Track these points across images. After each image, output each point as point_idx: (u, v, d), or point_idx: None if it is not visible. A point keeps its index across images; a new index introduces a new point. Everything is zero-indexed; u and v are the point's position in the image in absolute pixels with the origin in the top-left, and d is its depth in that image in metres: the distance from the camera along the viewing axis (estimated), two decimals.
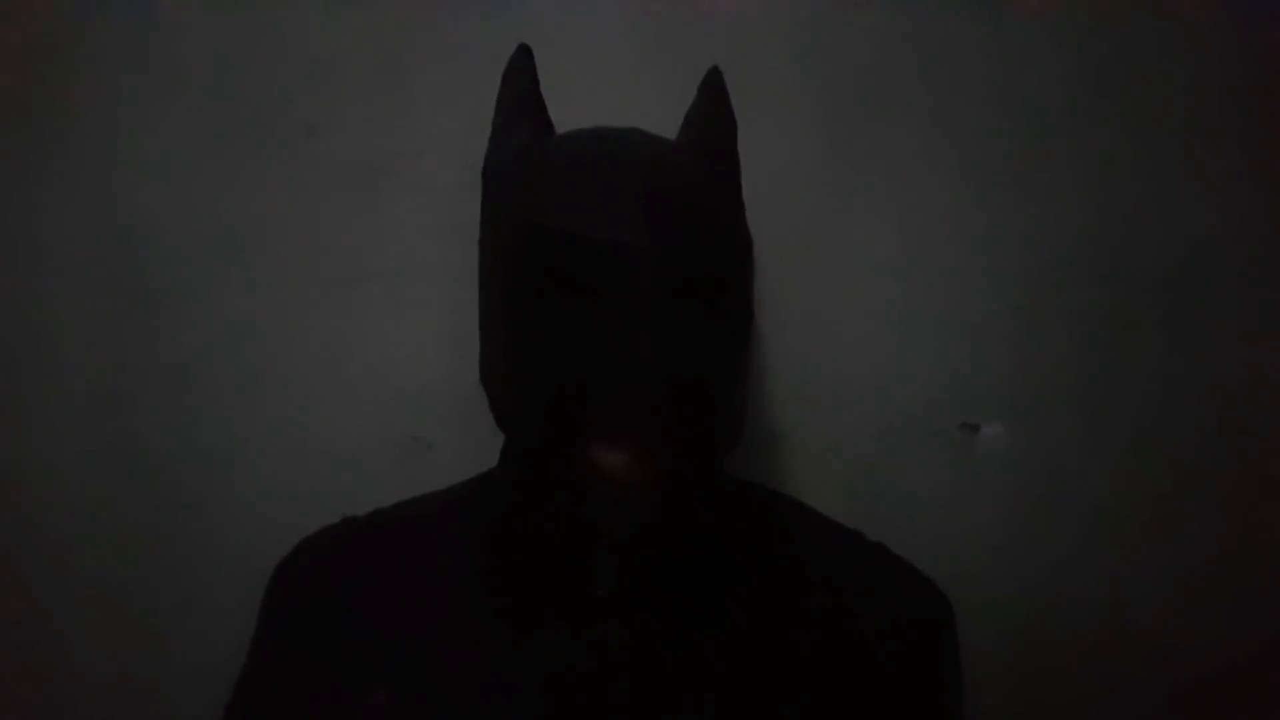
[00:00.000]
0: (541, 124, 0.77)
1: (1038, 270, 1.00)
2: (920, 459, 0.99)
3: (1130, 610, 1.00)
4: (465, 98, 0.93)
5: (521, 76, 0.77)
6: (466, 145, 0.85)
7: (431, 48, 0.96)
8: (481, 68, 0.86)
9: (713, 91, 0.79)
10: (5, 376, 0.95)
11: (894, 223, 0.99)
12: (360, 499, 0.81)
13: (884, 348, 0.99)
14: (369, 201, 0.96)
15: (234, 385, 0.95)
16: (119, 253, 0.95)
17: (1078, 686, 0.99)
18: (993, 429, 0.99)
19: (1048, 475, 1.00)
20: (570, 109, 0.80)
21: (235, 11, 0.95)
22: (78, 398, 0.95)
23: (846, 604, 0.75)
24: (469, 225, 0.80)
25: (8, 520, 0.95)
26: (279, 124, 0.96)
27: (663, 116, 0.80)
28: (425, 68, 0.96)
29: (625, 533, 0.69)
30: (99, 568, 0.95)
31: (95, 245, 0.95)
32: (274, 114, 0.96)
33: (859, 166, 0.99)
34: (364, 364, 0.96)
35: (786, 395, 0.98)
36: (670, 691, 0.70)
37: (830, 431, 0.98)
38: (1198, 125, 1.01)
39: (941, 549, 0.86)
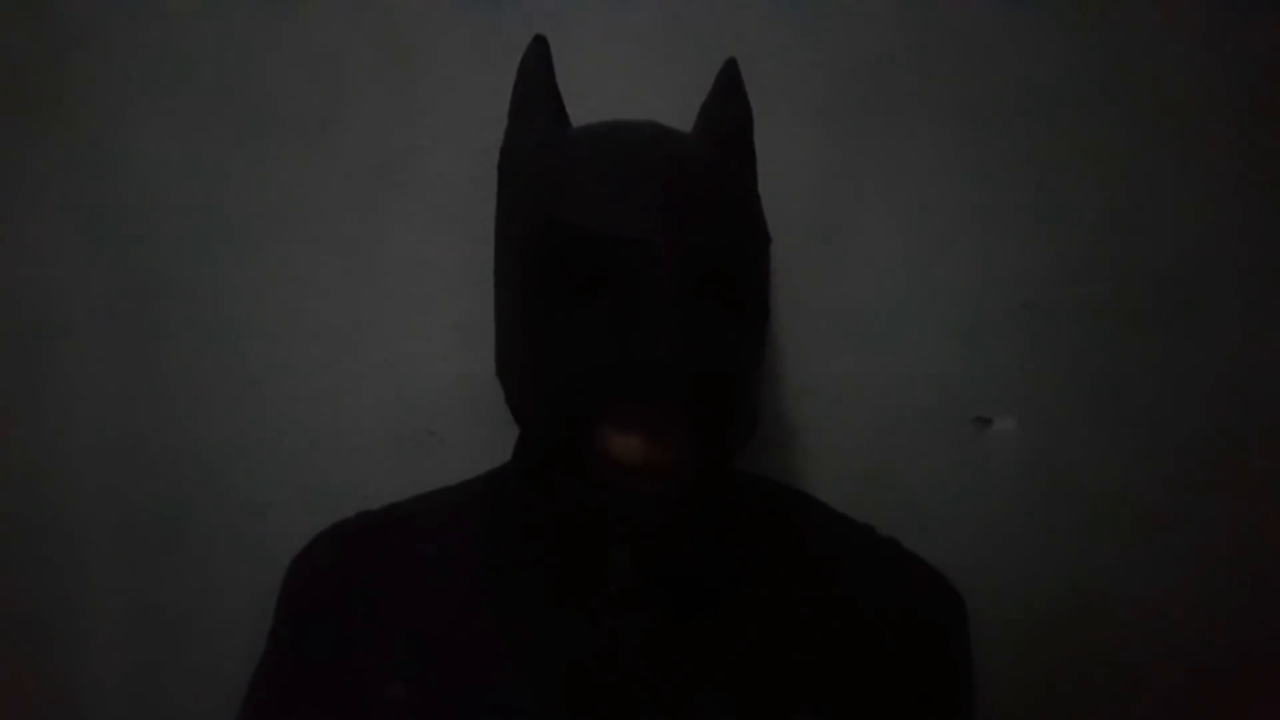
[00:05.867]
0: (557, 116, 0.77)
1: (1047, 266, 1.00)
2: (932, 453, 0.99)
3: (1139, 604, 1.00)
4: (477, 91, 0.93)
5: (537, 68, 0.77)
6: (478, 139, 0.85)
7: (444, 41, 0.96)
8: (493, 61, 0.86)
9: (729, 83, 0.79)
10: (15, 373, 0.95)
11: (904, 219, 0.99)
12: (372, 493, 0.82)
13: (895, 343, 0.99)
14: (381, 196, 0.96)
15: (245, 380, 0.95)
16: (130, 248, 0.95)
17: (1088, 680, 1.00)
18: (1004, 423, 1.00)
19: (1059, 469, 1.00)
20: (584, 101, 0.80)
21: (246, 6, 0.95)
22: (88, 394, 0.95)
23: (858, 599, 0.75)
24: (481, 219, 0.80)
25: (19, 517, 0.95)
26: (291, 119, 0.95)
27: (676, 107, 0.80)
28: (438, 61, 0.96)
29: (639, 525, 0.69)
30: (111, 563, 0.95)
31: (106, 241, 0.95)
32: (286, 109, 0.95)
33: (869, 162, 0.99)
34: (376, 358, 0.96)
35: (798, 390, 0.98)
36: (684, 686, 0.70)
37: (842, 426, 0.98)
38: (1204, 123, 1.01)
39: (952, 543, 0.86)
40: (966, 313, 0.99)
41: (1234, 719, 1.01)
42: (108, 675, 0.95)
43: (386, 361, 0.96)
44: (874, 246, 0.99)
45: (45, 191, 0.95)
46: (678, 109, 0.80)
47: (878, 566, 0.78)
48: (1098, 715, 1.00)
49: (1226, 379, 1.01)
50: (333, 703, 0.71)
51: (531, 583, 0.73)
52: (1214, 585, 1.01)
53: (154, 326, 0.95)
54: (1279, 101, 1.02)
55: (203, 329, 0.95)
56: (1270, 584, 1.02)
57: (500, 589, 0.73)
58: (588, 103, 0.79)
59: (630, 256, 0.65)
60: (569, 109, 0.78)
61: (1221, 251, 1.01)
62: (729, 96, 0.79)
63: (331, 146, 0.96)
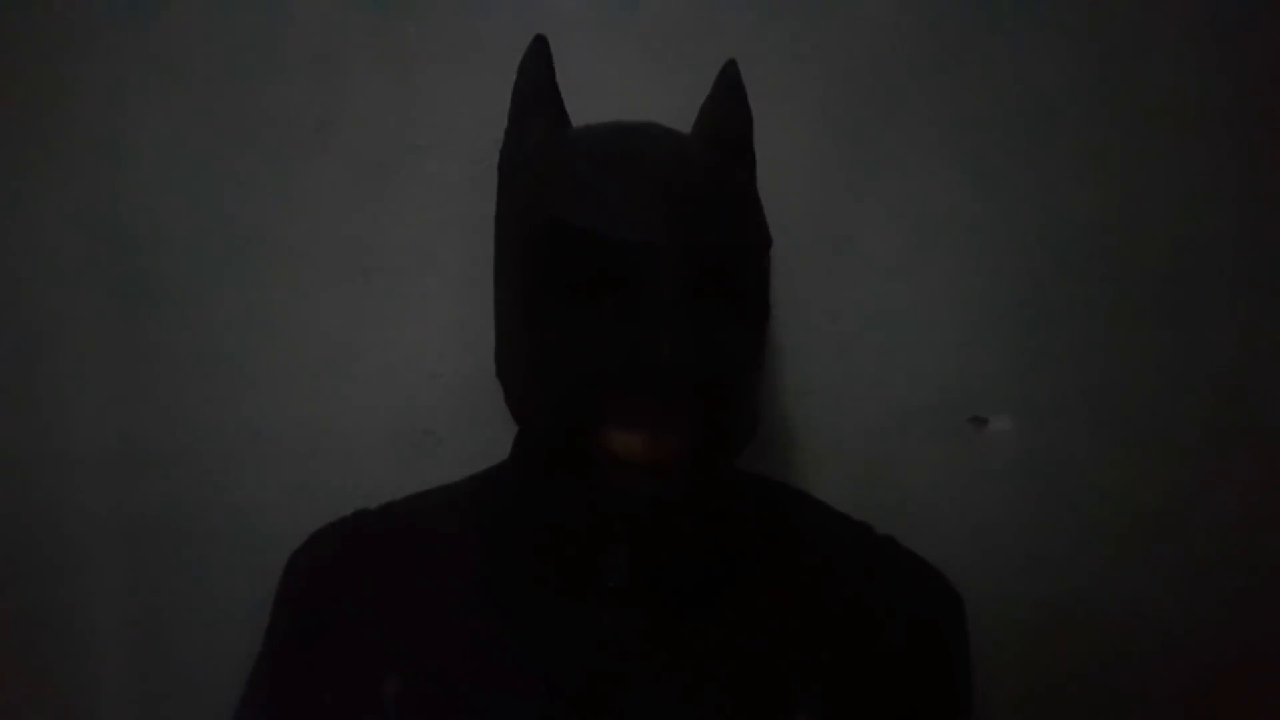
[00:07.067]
0: (558, 117, 0.77)
1: (1044, 265, 1.00)
2: (928, 452, 0.99)
3: (1136, 603, 1.00)
4: (474, 91, 0.93)
5: (538, 68, 0.77)
6: (475, 140, 0.85)
7: (442, 40, 0.96)
8: (489, 61, 0.86)
9: (729, 84, 0.79)
10: (14, 372, 0.95)
11: (902, 218, 0.99)
12: (370, 492, 0.82)
13: (892, 342, 0.99)
14: (378, 196, 0.96)
15: (243, 380, 0.95)
16: (128, 248, 0.95)
17: (1084, 679, 1.00)
18: (1000, 422, 1.00)
19: (1055, 468, 1.00)
20: (584, 101, 0.80)
21: (242, 6, 0.95)
22: (87, 394, 0.95)
23: (856, 596, 0.75)
24: (478, 219, 0.80)
25: (18, 515, 0.94)
26: (288, 119, 0.95)
27: (676, 107, 0.80)
28: (435, 60, 0.96)
29: (638, 523, 0.69)
30: (109, 564, 0.95)
31: (104, 241, 0.95)
32: (283, 109, 0.95)
33: (866, 162, 0.99)
34: (373, 358, 0.96)
35: (796, 389, 0.98)
36: (681, 683, 0.70)
37: (839, 425, 0.98)
38: (1202, 122, 1.01)
39: (949, 542, 0.86)
40: (964, 312, 0.99)
41: (1234, 719, 1.01)
42: (106, 674, 0.95)
43: (384, 361, 0.95)
44: (872, 247, 0.99)
45: (43, 192, 0.94)
46: (678, 109, 0.80)
47: (875, 564, 0.78)
48: (1095, 714, 1.00)
49: (1224, 379, 1.01)
50: (330, 700, 0.71)
51: (529, 580, 0.73)
52: (1212, 585, 1.01)
53: (151, 327, 0.95)
54: (1279, 102, 1.01)
55: (200, 329, 0.95)
56: (1270, 584, 1.02)
57: (497, 586, 0.73)
58: (588, 103, 0.79)
59: (633, 258, 0.65)
60: (569, 109, 0.78)
61: (1218, 252, 1.01)
62: (729, 98, 0.79)
63: (329, 146, 0.95)
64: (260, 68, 0.95)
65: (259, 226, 0.95)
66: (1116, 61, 1.00)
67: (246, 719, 0.77)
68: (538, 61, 0.77)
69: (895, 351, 0.99)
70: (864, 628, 0.74)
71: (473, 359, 0.85)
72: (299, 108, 0.95)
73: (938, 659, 0.77)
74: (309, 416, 0.95)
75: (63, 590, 0.94)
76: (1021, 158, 1.00)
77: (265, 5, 0.95)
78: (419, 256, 0.96)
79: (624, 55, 0.96)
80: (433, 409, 0.96)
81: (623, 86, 0.93)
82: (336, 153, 0.96)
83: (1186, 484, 1.01)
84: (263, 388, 0.95)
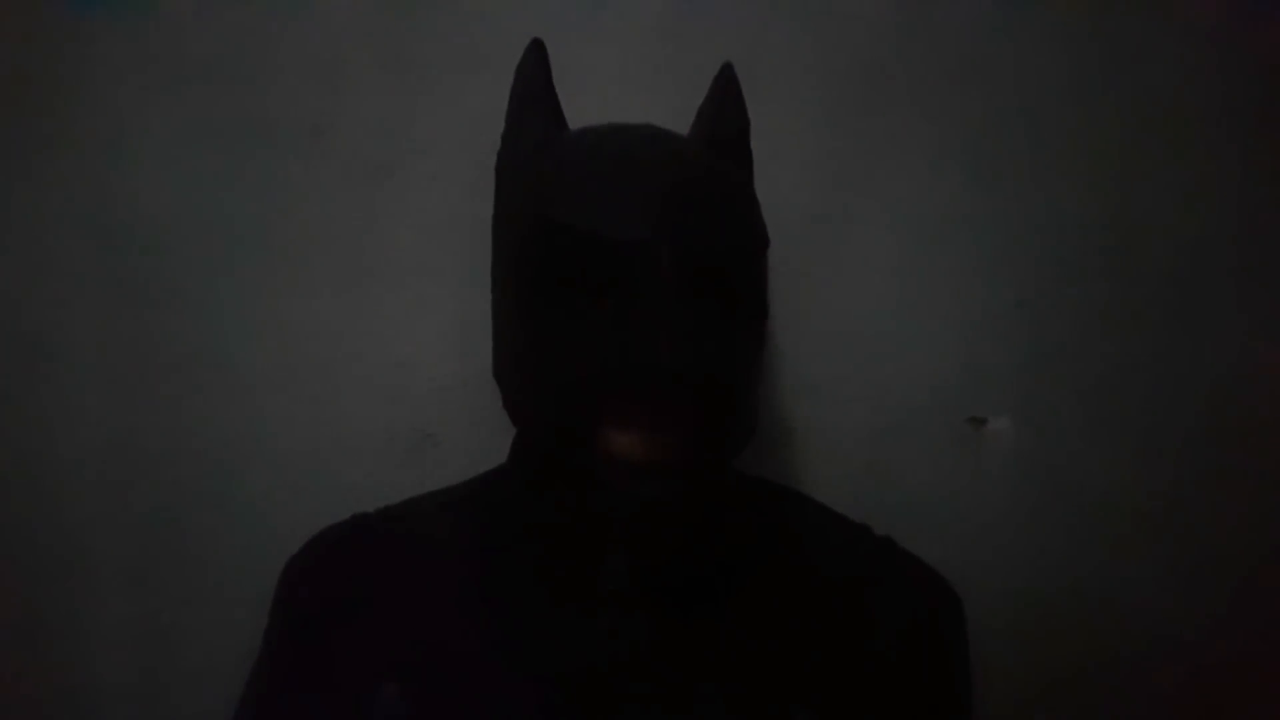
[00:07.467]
0: (555, 119, 0.77)
1: (1043, 265, 1.00)
2: (927, 453, 0.99)
3: (1135, 604, 1.00)
4: (471, 94, 0.93)
5: (535, 71, 0.77)
6: (473, 142, 0.84)
7: (439, 43, 0.96)
8: (487, 64, 0.86)
9: (726, 86, 0.79)
10: (12, 374, 0.95)
11: (900, 218, 0.99)
12: (368, 494, 0.82)
13: (890, 342, 0.99)
14: (376, 198, 0.96)
15: (241, 383, 0.95)
16: (127, 251, 0.95)
17: (1083, 680, 1.00)
18: (999, 423, 1.00)
19: (1053, 469, 1.00)
20: (581, 103, 0.80)
21: (240, 9, 0.95)
22: (85, 396, 0.95)
23: (855, 597, 0.76)
24: (476, 222, 0.80)
25: (16, 518, 0.94)
26: (288, 120, 0.95)
27: (673, 109, 0.80)
28: (433, 63, 0.96)
29: (637, 522, 0.69)
30: (110, 566, 0.95)
31: (102, 244, 0.95)
32: (280, 112, 0.95)
33: (865, 162, 0.99)
34: (371, 360, 0.95)
35: (793, 390, 0.98)
36: (679, 686, 0.70)
37: (837, 426, 0.98)
38: (1201, 120, 1.01)
39: (948, 542, 0.86)
40: (962, 313, 0.99)
41: (1233, 719, 1.01)
42: (106, 676, 0.95)
43: (382, 364, 0.95)
44: (870, 247, 0.99)
45: (43, 195, 0.94)
46: (675, 111, 0.80)
47: (874, 566, 0.78)
48: (1094, 715, 1.00)
49: (1223, 379, 1.01)
50: (328, 704, 0.72)
51: (527, 584, 0.73)
52: (1211, 585, 1.01)
53: (151, 327, 0.95)
54: (1279, 102, 1.01)
55: (196, 332, 0.95)
56: (1268, 584, 1.01)
57: (495, 590, 0.74)
58: (585, 105, 0.79)
59: (629, 258, 0.65)
60: (566, 112, 0.78)
61: (1216, 251, 1.01)
62: (726, 100, 0.79)
63: (329, 148, 0.95)
64: (260, 69, 0.95)
65: (259, 227, 0.95)
66: (1116, 61, 1.00)
67: None
68: (534, 64, 0.77)
69: (895, 351, 0.99)
70: (863, 629, 0.74)
71: (471, 361, 0.85)
72: (299, 109, 0.95)
73: (937, 660, 0.77)
74: (308, 418, 0.95)
75: (63, 590, 0.94)
76: (1021, 158, 1.00)
77: (265, 6, 0.95)
78: (418, 258, 0.96)
79: (621, 58, 0.95)
80: (431, 411, 0.95)
81: (620, 89, 0.93)
82: (336, 154, 0.95)
83: (1185, 484, 1.01)
84: (262, 389, 0.95)
